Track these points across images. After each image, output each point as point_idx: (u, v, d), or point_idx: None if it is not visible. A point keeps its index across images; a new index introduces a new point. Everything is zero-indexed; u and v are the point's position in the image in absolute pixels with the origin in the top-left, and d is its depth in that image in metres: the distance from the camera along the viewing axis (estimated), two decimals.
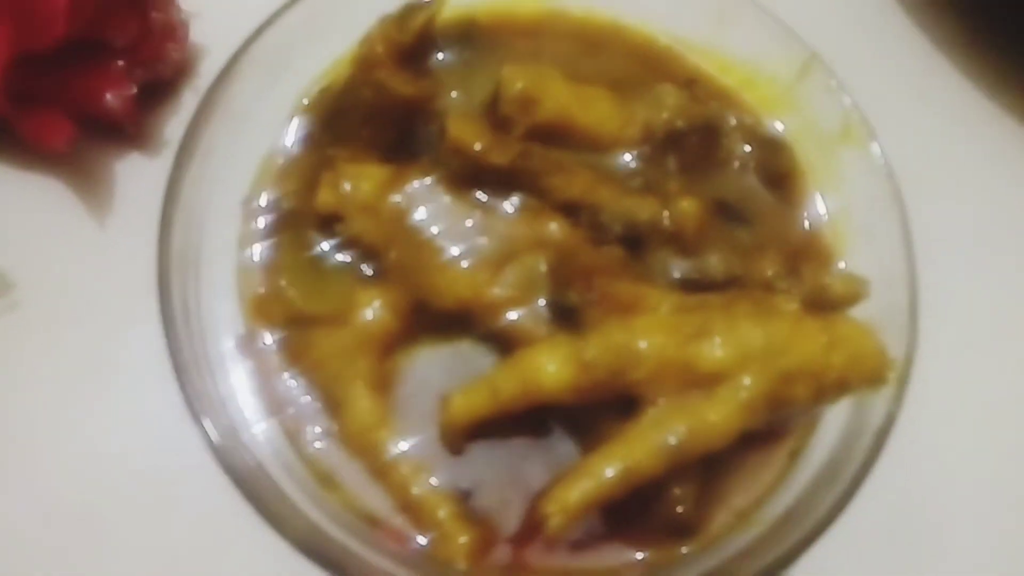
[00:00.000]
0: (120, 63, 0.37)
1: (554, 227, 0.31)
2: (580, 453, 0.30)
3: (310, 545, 0.28)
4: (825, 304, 0.31)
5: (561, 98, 0.33)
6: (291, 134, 0.34)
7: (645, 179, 0.34)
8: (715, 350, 0.29)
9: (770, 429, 0.31)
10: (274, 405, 0.31)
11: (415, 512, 0.30)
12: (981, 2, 0.46)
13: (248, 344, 0.31)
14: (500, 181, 0.32)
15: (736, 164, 0.35)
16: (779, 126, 0.37)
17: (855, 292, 0.31)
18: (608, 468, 0.28)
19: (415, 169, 0.32)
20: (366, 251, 0.32)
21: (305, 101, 0.35)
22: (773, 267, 0.32)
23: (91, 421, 0.34)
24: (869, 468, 0.29)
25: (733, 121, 0.35)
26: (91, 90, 0.36)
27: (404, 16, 0.32)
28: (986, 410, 0.37)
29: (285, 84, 0.34)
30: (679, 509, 0.30)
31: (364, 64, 0.32)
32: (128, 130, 0.38)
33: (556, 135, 0.33)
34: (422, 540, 0.29)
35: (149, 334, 0.30)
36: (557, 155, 0.33)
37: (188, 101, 0.39)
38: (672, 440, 0.28)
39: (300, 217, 0.33)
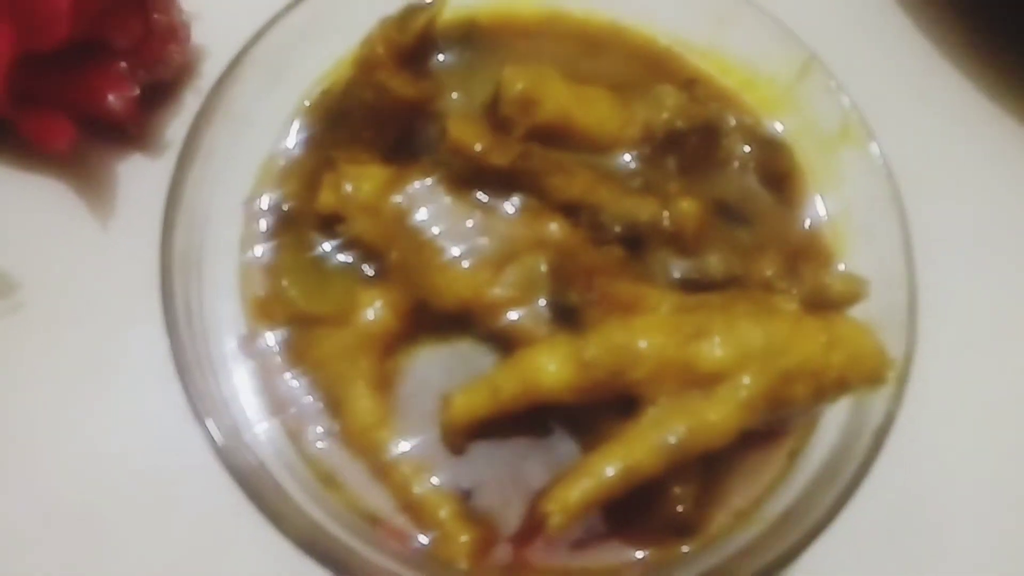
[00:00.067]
0: (122, 64, 0.37)
1: (554, 227, 0.32)
2: (580, 452, 0.30)
3: (312, 544, 0.28)
4: (825, 304, 0.31)
5: (561, 99, 0.33)
6: (292, 135, 0.35)
7: (645, 179, 0.34)
8: (715, 350, 0.29)
9: (770, 428, 0.31)
10: (276, 405, 0.31)
11: (416, 511, 0.30)
12: (980, 2, 0.46)
13: (250, 344, 0.31)
14: (500, 182, 0.32)
15: (736, 164, 0.35)
16: (779, 127, 0.37)
17: (854, 292, 0.32)
18: (608, 467, 0.28)
19: (416, 170, 0.32)
20: (367, 251, 0.32)
21: (306, 102, 0.35)
22: (773, 267, 0.32)
23: (94, 421, 0.34)
24: (868, 467, 0.30)
25: (733, 122, 0.35)
26: (93, 91, 0.36)
27: (405, 17, 0.32)
28: (985, 409, 0.37)
29: (286, 85, 0.35)
30: (679, 508, 0.30)
31: (365, 65, 0.32)
32: (130, 131, 0.38)
33: (556, 136, 0.33)
34: (423, 539, 0.30)
35: (151, 334, 0.30)
36: (557, 156, 0.33)
37: (190, 102, 0.39)
38: (672, 439, 0.28)
39: (301, 218, 0.33)
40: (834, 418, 0.32)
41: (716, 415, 0.29)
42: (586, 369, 0.29)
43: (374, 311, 0.31)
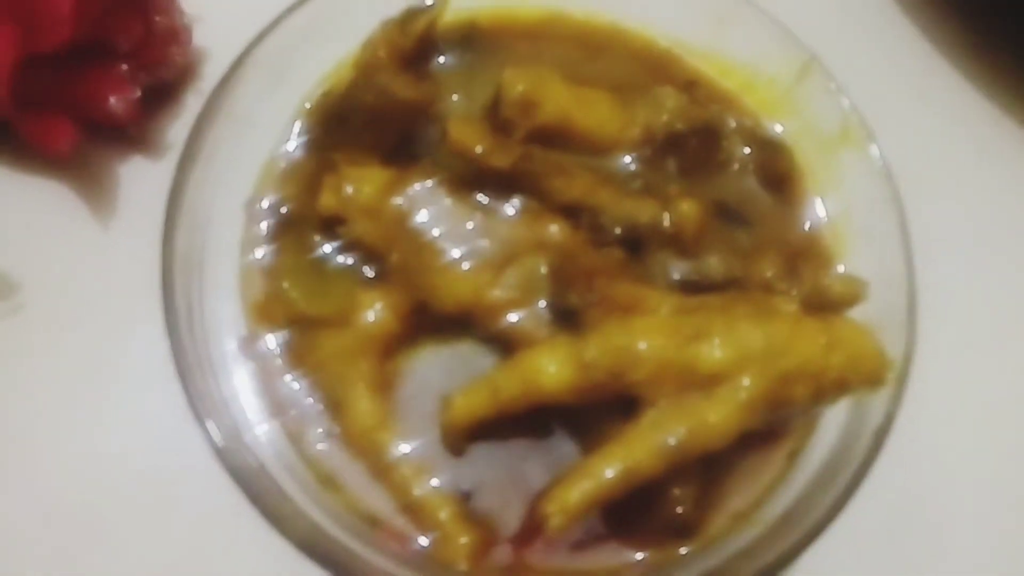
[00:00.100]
0: (124, 67, 0.37)
1: (554, 229, 0.32)
2: (580, 454, 0.30)
3: (312, 546, 0.28)
4: (824, 305, 0.31)
5: (561, 101, 0.33)
6: (293, 137, 0.35)
7: (645, 181, 0.34)
8: (714, 351, 0.29)
9: (769, 430, 0.31)
10: (276, 406, 0.31)
11: (416, 513, 0.30)
12: (980, 3, 0.46)
13: (250, 346, 0.32)
14: (501, 184, 0.32)
15: (736, 166, 0.35)
16: (779, 128, 0.37)
17: (854, 293, 0.32)
18: (608, 469, 0.28)
19: (416, 172, 0.32)
20: (368, 253, 0.32)
21: (307, 105, 0.35)
22: (773, 268, 0.32)
23: (94, 422, 0.34)
24: (868, 468, 0.30)
25: (733, 123, 0.35)
26: (95, 93, 0.36)
27: (406, 20, 0.32)
28: (985, 410, 0.37)
29: (287, 88, 0.35)
30: (679, 509, 0.30)
31: (366, 68, 0.32)
32: (131, 133, 0.38)
33: (557, 138, 0.33)
34: (423, 541, 0.30)
35: (152, 335, 0.30)
36: (557, 158, 0.33)
37: (191, 104, 0.39)
38: (672, 441, 0.28)
39: (302, 220, 0.33)
40: (834, 419, 0.32)
41: (716, 416, 0.29)
42: (586, 370, 0.29)
43: (374, 313, 0.31)
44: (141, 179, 0.38)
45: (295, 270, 0.32)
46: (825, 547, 0.29)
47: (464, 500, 0.30)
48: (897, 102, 0.42)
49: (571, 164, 0.33)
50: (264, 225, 0.33)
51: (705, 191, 0.34)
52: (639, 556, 0.30)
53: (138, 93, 0.37)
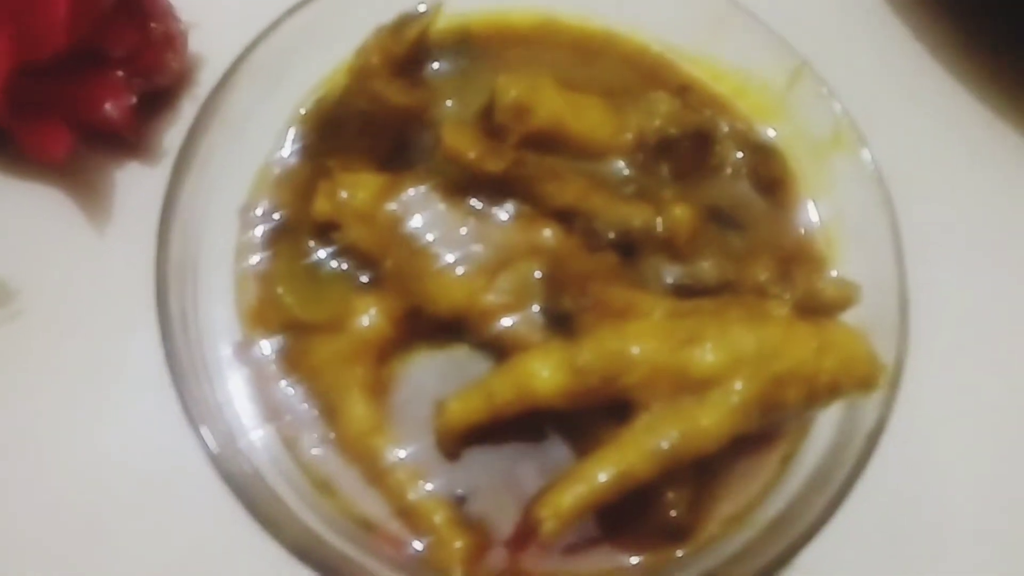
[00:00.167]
0: (119, 73, 0.37)
1: (548, 234, 0.32)
2: (574, 458, 0.30)
3: (307, 550, 0.28)
4: (817, 309, 0.31)
5: (555, 106, 0.33)
6: (288, 143, 0.35)
7: (638, 186, 0.34)
8: (707, 355, 0.29)
9: (763, 433, 0.31)
10: (271, 412, 0.31)
11: (411, 517, 0.30)
12: (973, 7, 0.46)
13: (245, 351, 0.32)
14: (495, 189, 0.32)
15: (728, 170, 0.35)
16: (771, 133, 0.37)
17: (846, 297, 0.32)
18: (602, 473, 0.28)
19: (410, 177, 0.32)
20: (362, 259, 0.32)
21: (302, 111, 0.35)
22: (765, 272, 0.33)
23: (90, 426, 0.34)
24: (861, 471, 0.30)
25: (725, 128, 0.36)
26: (90, 100, 0.36)
27: (399, 27, 0.33)
28: (977, 413, 0.37)
29: (282, 94, 0.35)
30: (673, 513, 0.30)
31: (360, 74, 0.33)
32: (127, 139, 0.38)
33: (550, 143, 0.33)
34: (418, 545, 0.30)
35: (147, 341, 0.30)
36: (551, 162, 0.33)
37: (187, 110, 0.39)
38: (665, 444, 0.28)
39: (296, 225, 0.33)
40: (827, 423, 0.32)
41: (709, 420, 0.29)
42: (579, 375, 0.29)
43: (369, 318, 0.31)
44: (137, 185, 0.38)
45: (289, 275, 0.32)
46: (818, 550, 0.29)
47: (458, 504, 0.30)
48: (889, 106, 0.42)
49: (564, 169, 0.33)
50: (258, 231, 0.33)
51: (698, 195, 0.34)
52: (633, 560, 0.30)
53: (134, 99, 0.37)
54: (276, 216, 0.33)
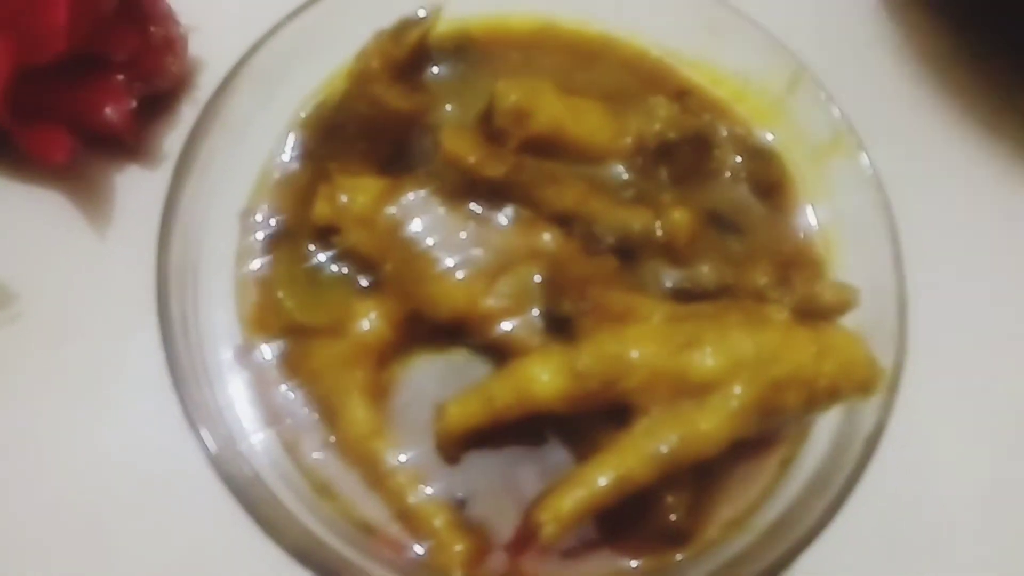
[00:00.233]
0: (119, 77, 0.37)
1: (548, 238, 0.32)
2: (574, 462, 0.30)
3: (307, 554, 0.28)
4: (815, 313, 0.31)
5: (554, 111, 0.33)
6: (288, 147, 0.35)
7: (637, 190, 0.34)
8: (706, 359, 0.29)
9: (762, 437, 0.31)
10: (271, 415, 0.31)
11: (411, 521, 0.30)
12: (970, 13, 0.46)
13: (246, 355, 0.32)
14: (494, 193, 0.32)
15: (727, 175, 0.35)
16: (770, 137, 0.37)
17: (845, 301, 0.32)
18: (601, 477, 0.28)
19: (410, 181, 0.32)
20: (362, 262, 0.32)
21: (302, 115, 0.35)
22: (764, 276, 0.33)
23: (90, 430, 0.34)
24: (860, 475, 0.30)
25: (724, 132, 0.36)
26: (91, 104, 0.37)
27: (399, 31, 0.33)
28: (975, 417, 0.37)
29: (282, 98, 0.35)
30: (672, 517, 0.30)
31: (360, 78, 0.33)
32: (127, 143, 0.38)
33: (549, 147, 0.33)
34: (418, 549, 0.30)
35: (148, 344, 0.30)
36: (550, 167, 0.33)
37: (186, 114, 0.39)
38: (664, 449, 0.29)
39: (297, 229, 0.33)
40: (826, 427, 0.32)
41: (708, 424, 0.29)
42: (579, 379, 0.29)
43: (369, 322, 0.31)
44: (137, 188, 0.38)
45: (290, 279, 0.32)
46: (818, 554, 0.29)
47: (458, 508, 0.30)
48: (887, 111, 0.42)
49: (564, 173, 0.33)
50: (259, 235, 0.33)
51: (697, 200, 0.34)
52: (633, 563, 0.30)
53: (134, 103, 0.37)
54: (276, 220, 0.34)
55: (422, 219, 0.32)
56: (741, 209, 0.35)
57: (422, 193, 0.32)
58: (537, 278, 0.31)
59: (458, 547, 0.29)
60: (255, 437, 0.30)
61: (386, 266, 0.32)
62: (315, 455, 0.31)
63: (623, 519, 0.30)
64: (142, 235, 0.32)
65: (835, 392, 0.30)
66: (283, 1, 0.35)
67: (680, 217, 0.33)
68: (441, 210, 0.32)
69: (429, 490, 0.30)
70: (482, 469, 0.31)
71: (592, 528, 0.30)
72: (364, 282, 0.32)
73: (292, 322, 0.32)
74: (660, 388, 0.29)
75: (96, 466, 0.33)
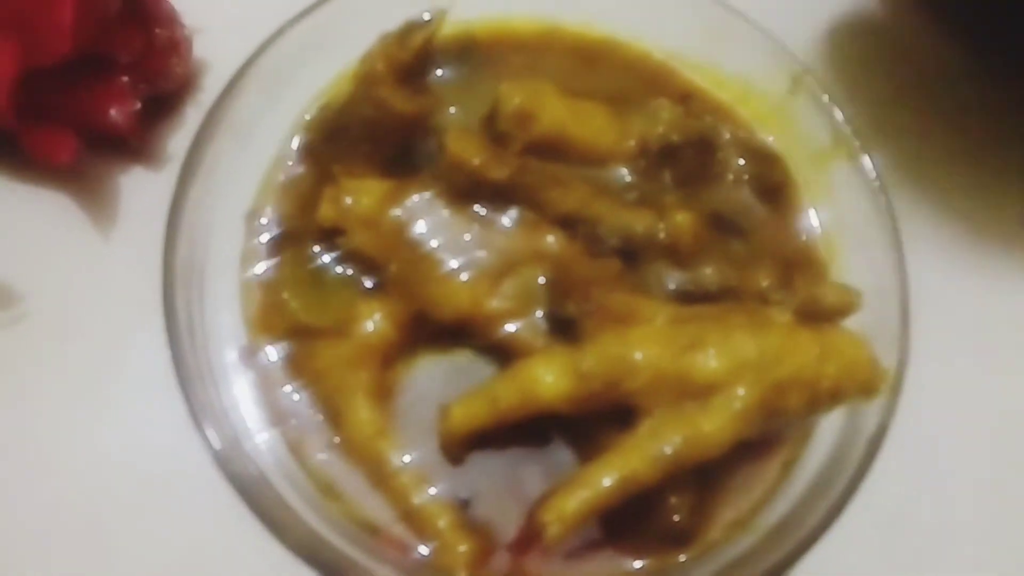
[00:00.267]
0: (124, 78, 0.37)
1: (551, 240, 0.32)
2: (578, 462, 0.31)
3: (312, 554, 0.28)
4: (818, 315, 0.31)
5: (558, 113, 0.34)
6: (293, 149, 0.35)
7: (641, 192, 0.34)
8: (709, 361, 0.29)
9: (765, 439, 0.32)
10: (276, 416, 0.31)
11: (415, 521, 0.30)
12: (971, 14, 0.46)
13: (251, 356, 0.32)
14: (498, 195, 0.32)
15: (730, 177, 0.35)
16: (772, 140, 0.37)
17: (848, 303, 0.32)
18: (605, 477, 0.29)
19: (415, 183, 0.32)
20: (367, 264, 0.32)
21: (307, 117, 0.35)
22: (767, 278, 0.33)
23: (96, 430, 0.34)
24: (862, 477, 0.30)
25: (727, 135, 0.36)
26: (96, 105, 0.37)
27: (404, 34, 0.33)
28: (978, 419, 0.37)
29: (287, 100, 0.35)
30: (676, 518, 0.30)
31: (365, 81, 0.33)
32: (132, 144, 0.38)
33: (553, 150, 0.34)
34: (423, 549, 0.30)
35: (153, 345, 0.30)
36: (554, 169, 0.33)
37: (191, 116, 0.39)
38: (668, 450, 0.29)
39: (301, 231, 0.33)
40: (828, 428, 0.32)
41: (711, 425, 0.29)
42: (583, 380, 0.29)
43: (373, 323, 0.31)
44: (142, 190, 0.38)
45: (295, 281, 0.33)
46: (820, 555, 0.29)
47: (462, 508, 0.30)
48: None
49: (567, 176, 0.33)
50: (264, 236, 0.33)
51: (700, 202, 0.34)
52: (636, 564, 0.31)
53: (138, 105, 0.37)
54: (281, 222, 0.34)
55: (426, 221, 0.32)
56: (744, 211, 0.35)
57: (426, 195, 0.32)
58: (541, 280, 0.31)
59: (462, 547, 0.29)
60: (260, 437, 0.31)
61: (391, 267, 0.32)
62: (320, 455, 0.31)
63: (627, 520, 0.30)
64: (146, 236, 0.32)
65: (838, 394, 0.30)
66: (288, 3, 0.35)
67: (683, 219, 0.33)
68: (445, 212, 0.32)
69: (433, 490, 0.30)
70: (486, 470, 0.31)
71: (596, 528, 0.30)
72: (369, 283, 0.32)
73: (297, 323, 0.32)
74: (664, 389, 0.29)
75: (100, 466, 0.33)
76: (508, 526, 0.30)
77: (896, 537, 0.35)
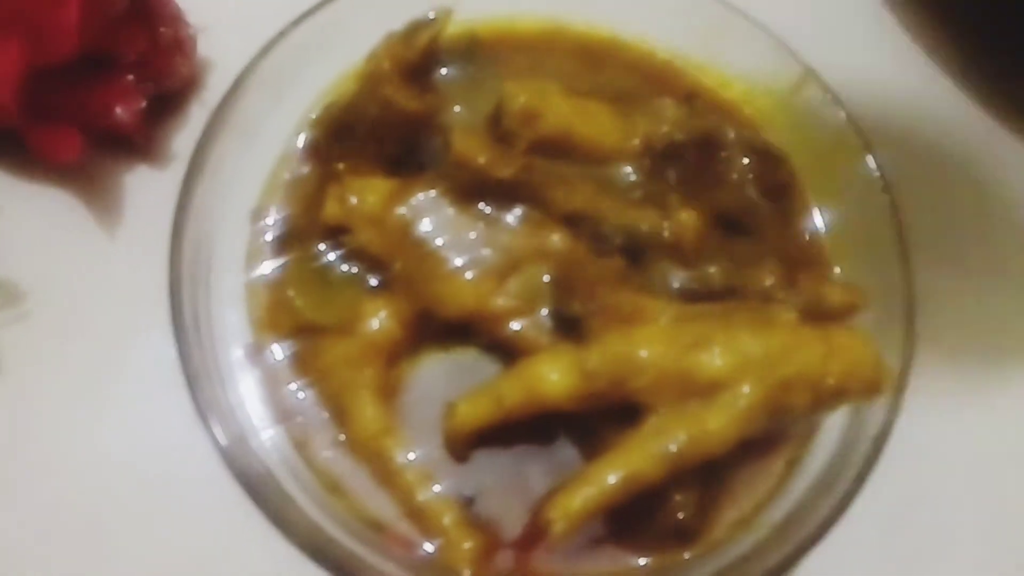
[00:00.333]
0: (129, 77, 0.37)
1: (556, 238, 0.32)
2: (582, 460, 0.31)
3: (317, 550, 0.28)
4: (822, 314, 0.32)
5: (562, 112, 0.34)
6: (299, 148, 0.35)
7: (645, 191, 0.34)
8: (714, 359, 0.29)
9: (769, 437, 0.32)
10: (282, 413, 0.31)
11: (420, 518, 0.30)
12: (974, 14, 0.46)
13: (256, 353, 0.32)
14: (503, 193, 0.32)
15: (735, 176, 0.35)
16: (777, 139, 0.37)
17: (852, 302, 0.32)
18: (610, 475, 0.29)
19: (420, 182, 0.32)
20: (372, 262, 0.32)
21: (312, 116, 0.35)
22: (771, 277, 0.33)
23: (101, 427, 0.34)
24: (866, 476, 0.30)
25: (732, 134, 0.36)
26: (101, 104, 0.37)
27: (410, 33, 0.33)
28: (982, 418, 0.37)
29: (293, 99, 0.35)
30: (680, 515, 0.30)
31: (370, 80, 0.33)
32: (137, 143, 0.38)
33: (558, 148, 0.34)
34: (427, 546, 0.30)
35: (159, 343, 0.30)
36: (559, 168, 0.33)
37: (196, 114, 0.39)
38: (673, 448, 0.29)
39: (307, 229, 0.33)
40: (833, 427, 0.32)
41: (716, 424, 0.29)
42: (588, 378, 0.29)
43: (379, 321, 0.31)
44: (147, 188, 0.38)
45: (300, 279, 0.33)
46: (824, 553, 0.29)
47: (467, 505, 0.30)
48: (894, 112, 0.42)
49: (572, 174, 0.33)
50: (269, 235, 0.34)
51: (705, 201, 0.34)
52: (641, 561, 0.31)
53: (143, 103, 0.37)
54: (287, 220, 0.34)
55: (432, 219, 0.32)
56: (748, 210, 0.35)
57: (432, 193, 0.32)
58: (546, 278, 0.31)
59: (467, 545, 0.29)
60: (266, 434, 0.31)
61: (396, 265, 0.32)
62: (325, 452, 0.31)
63: (631, 517, 0.30)
64: (151, 234, 0.32)
65: (842, 392, 0.30)
66: (293, 2, 0.35)
67: (688, 218, 0.33)
68: (450, 210, 0.32)
69: (438, 488, 0.30)
70: (491, 467, 0.31)
71: (600, 526, 0.30)
72: (374, 281, 0.32)
73: (302, 321, 0.32)
74: (668, 388, 0.29)
75: (106, 463, 0.33)
76: (513, 523, 0.30)
77: (899, 536, 0.35)
